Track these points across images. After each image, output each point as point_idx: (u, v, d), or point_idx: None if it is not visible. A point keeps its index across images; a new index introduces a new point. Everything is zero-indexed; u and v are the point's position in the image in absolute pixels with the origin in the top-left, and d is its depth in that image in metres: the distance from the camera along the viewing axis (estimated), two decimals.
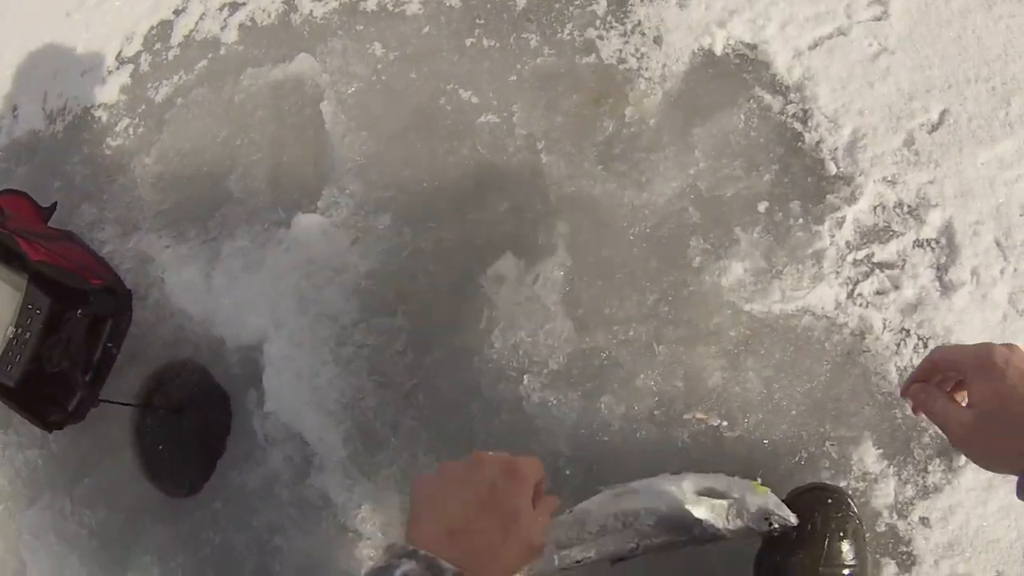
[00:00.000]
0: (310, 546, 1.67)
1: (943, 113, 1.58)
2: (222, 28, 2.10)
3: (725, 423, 1.47)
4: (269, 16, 2.06)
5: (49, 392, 1.77)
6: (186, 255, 1.88)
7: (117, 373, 1.93)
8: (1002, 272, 1.47)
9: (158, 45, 2.18)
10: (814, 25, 1.70)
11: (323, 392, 1.67)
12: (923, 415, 1.00)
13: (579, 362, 1.55)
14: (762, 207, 1.59)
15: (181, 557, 1.81)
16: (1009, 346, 0.88)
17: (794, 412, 1.46)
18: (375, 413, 1.64)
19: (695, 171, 1.62)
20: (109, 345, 1.94)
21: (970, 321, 1.45)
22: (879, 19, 1.69)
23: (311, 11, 2.01)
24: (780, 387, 1.47)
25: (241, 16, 2.09)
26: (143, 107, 2.11)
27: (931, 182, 1.54)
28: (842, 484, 1.40)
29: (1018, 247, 1.47)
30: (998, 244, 1.49)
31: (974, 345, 0.91)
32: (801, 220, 1.56)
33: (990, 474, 1.33)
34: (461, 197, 1.69)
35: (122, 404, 1.83)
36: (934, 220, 1.52)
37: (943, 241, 1.51)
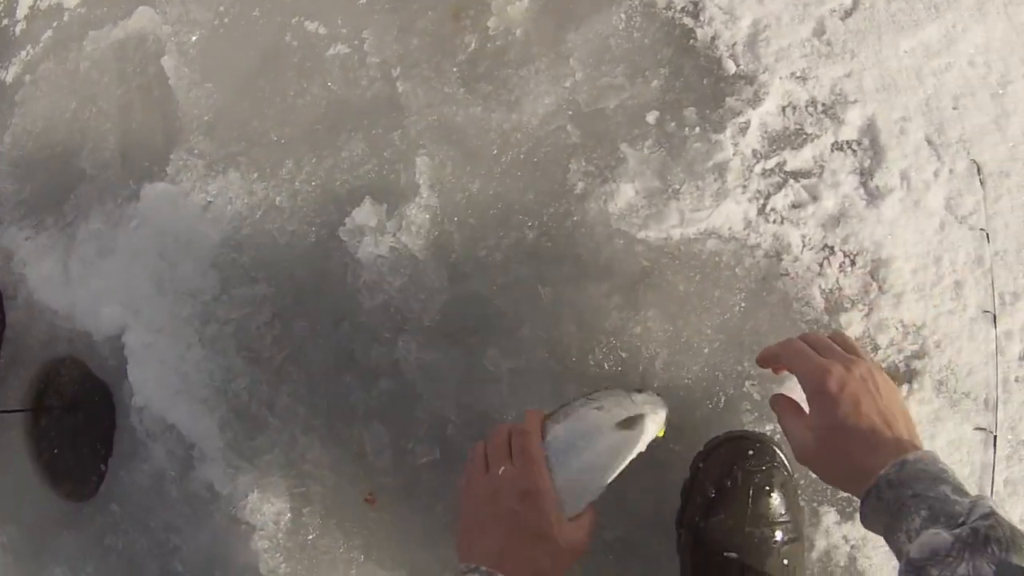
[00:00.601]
0: (207, 543, 1.47)
1: None
2: None
3: (620, 369, 1.20)
4: None
5: None
6: (45, 246, 1.64)
7: (1, 381, 1.69)
8: (936, 174, 1.23)
9: (5, 21, 1.91)
10: None
11: (191, 378, 1.43)
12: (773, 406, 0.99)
13: (457, 315, 1.30)
14: (651, 118, 1.33)
15: (90, 566, 1.62)
16: (847, 364, 0.87)
17: (706, 351, 1.21)
18: (248, 394, 1.40)
19: (571, 83, 1.35)
20: None
21: (902, 232, 1.21)
22: None
23: None
24: (687, 323, 1.22)
25: None
26: None
27: (848, 76, 1.29)
28: (767, 428, 1.16)
29: (953, 145, 1.23)
30: (929, 142, 1.24)
31: (815, 365, 0.89)
32: (698, 129, 1.30)
33: (936, 404, 1.17)
34: (315, 141, 1.43)
35: (12, 412, 1.66)
36: (853, 119, 1.27)
37: (865, 142, 1.26)
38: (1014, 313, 1.17)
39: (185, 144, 1.53)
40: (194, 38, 1.60)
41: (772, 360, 1.00)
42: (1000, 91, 1.25)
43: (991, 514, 0.67)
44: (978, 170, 1.22)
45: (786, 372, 1.00)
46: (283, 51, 1.52)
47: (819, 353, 0.91)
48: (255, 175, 1.46)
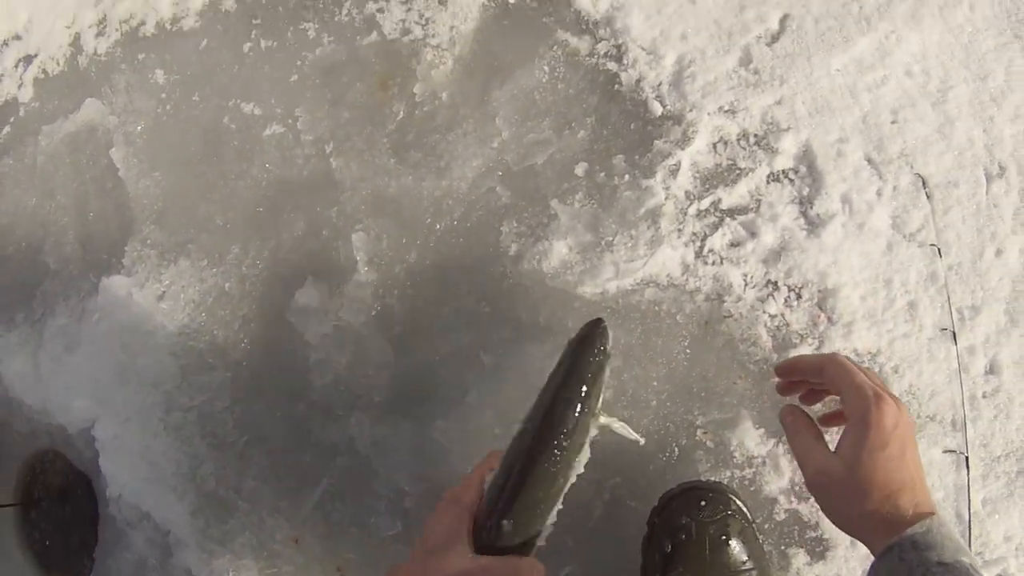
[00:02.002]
0: None
1: (784, 19, 1.32)
2: (19, 86, 1.87)
3: None
4: (58, 63, 1.82)
5: None
6: (16, 343, 1.68)
7: None
8: (879, 193, 1.21)
9: None
10: None
11: (160, 466, 1.46)
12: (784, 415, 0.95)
13: (404, 387, 1.32)
14: (580, 170, 1.33)
15: None
16: (898, 403, 0.82)
17: (654, 402, 1.21)
18: (216, 479, 1.43)
19: (499, 143, 1.36)
20: None
21: (847, 259, 1.19)
22: None
23: (95, 48, 1.77)
24: (633, 376, 1.22)
25: (34, 69, 1.85)
26: None
27: (778, 103, 1.28)
28: (724, 476, 1.16)
29: (894, 160, 1.21)
30: (869, 161, 1.23)
31: (869, 387, 0.83)
32: (627, 176, 1.30)
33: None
34: (258, 224, 1.45)
35: (2, 506, 1.68)
36: (788, 147, 1.26)
37: (802, 169, 1.25)
38: (974, 328, 1.14)
39: (139, 235, 1.56)
40: (139, 127, 1.63)
41: (804, 372, 0.96)
42: (941, 98, 1.24)
43: None
44: (923, 183, 1.20)
45: (787, 402, 0.95)
46: (222, 134, 1.54)
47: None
48: (204, 262, 1.48)
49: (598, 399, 0.90)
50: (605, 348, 0.91)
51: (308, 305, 1.37)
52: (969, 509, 1.09)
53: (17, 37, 1.94)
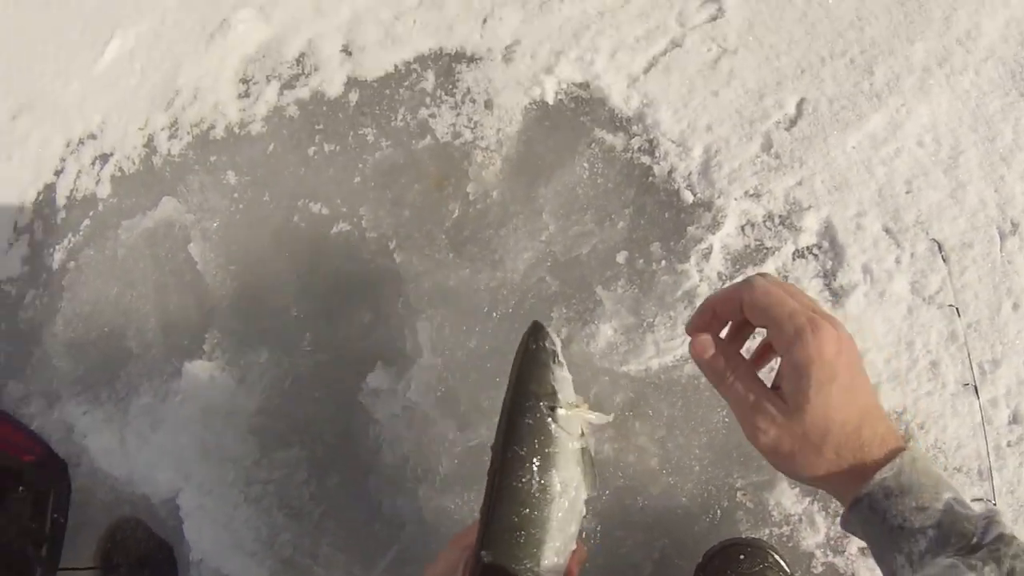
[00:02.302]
0: None
1: (800, 103, 1.43)
2: (97, 183, 2.05)
3: (619, 497, 1.35)
4: (134, 162, 2.00)
5: (8, 571, 1.72)
6: (102, 420, 1.83)
7: (71, 542, 1.89)
8: (898, 261, 1.28)
9: (47, 210, 2.14)
10: (646, 45, 1.58)
11: (240, 533, 1.60)
12: (707, 373, 0.75)
13: (468, 461, 1.46)
14: (621, 258, 1.47)
15: None
16: (835, 323, 0.66)
17: (697, 468, 1.32)
18: (293, 546, 1.57)
19: (547, 236, 1.52)
20: (56, 516, 1.90)
21: (870, 325, 1.27)
22: (715, 19, 1.56)
23: (168, 149, 1.95)
24: (677, 446, 1.34)
25: (111, 167, 2.04)
26: (44, 276, 2.07)
27: (799, 183, 1.38)
28: (763, 533, 1.26)
29: (911, 229, 1.29)
30: (887, 231, 1.30)
31: (800, 313, 0.67)
32: (664, 262, 1.43)
33: None
34: (329, 314, 1.61)
35: (82, 569, 1.79)
36: (810, 224, 1.36)
37: (825, 244, 1.34)
38: (996, 380, 1.19)
39: (217, 323, 1.72)
40: (215, 224, 1.81)
41: (722, 313, 0.75)
42: (952, 164, 1.30)
43: (1012, 539, 0.59)
44: (939, 248, 1.26)
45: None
46: (293, 232, 1.71)
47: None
48: (280, 349, 1.64)
49: (552, 399, 0.81)
50: (544, 344, 0.84)
51: (378, 387, 1.52)
52: None
53: (92, 136, 2.13)
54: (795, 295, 0.70)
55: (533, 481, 0.79)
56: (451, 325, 1.51)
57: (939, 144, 1.32)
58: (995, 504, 1.13)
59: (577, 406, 0.83)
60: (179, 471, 1.68)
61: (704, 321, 0.76)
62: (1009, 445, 1.15)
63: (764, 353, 0.79)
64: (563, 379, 0.84)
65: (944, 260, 1.25)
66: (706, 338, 0.74)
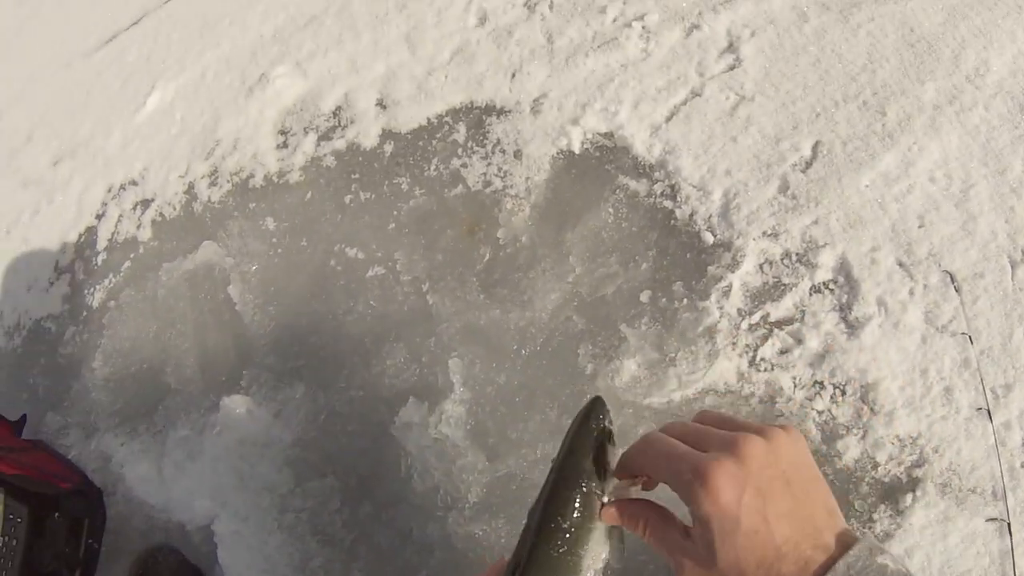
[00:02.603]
0: None
1: (815, 146, 1.52)
2: (138, 227, 2.15)
3: None
4: (175, 208, 2.10)
5: None
6: (139, 450, 1.91)
7: (104, 568, 1.95)
8: (911, 293, 1.34)
9: (88, 252, 2.23)
10: (667, 95, 1.68)
11: (274, 559, 1.66)
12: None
13: (497, 490, 1.53)
14: (645, 297, 1.55)
15: None
16: (736, 451, 0.63)
17: None
18: (324, 572, 1.63)
19: (573, 278, 1.61)
20: (91, 542, 1.96)
21: (885, 355, 1.32)
22: (732, 68, 1.67)
23: (209, 196, 2.05)
24: None
25: (152, 212, 2.14)
26: (84, 314, 2.15)
27: (815, 222, 1.45)
28: None
29: (923, 261, 1.35)
30: (901, 265, 1.36)
31: (686, 460, 0.65)
32: (686, 300, 1.50)
33: (943, 505, 1.20)
34: (363, 353, 1.70)
35: None
36: (826, 261, 1.42)
37: (840, 279, 1.40)
38: (1008, 404, 1.21)
39: (254, 360, 1.82)
40: (254, 268, 1.91)
41: (635, 470, 0.74)
42: (963, 197, 1.36)
43: None
44: (952, 279, 1.31)
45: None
46: (330, 275, 1.81)
47: (695, 445, 0.67)
48: (316, 385, 1.73)
49: (602, 477, 0.81)
50: (604, 424, 0.85)
51: (410, 421, 1.60)
52: (1015, 572, 1.12)
53: (134, 183, 2.24)
54: (695, 434, 0.68)
55: (568, 554, 0.78)
56: (482, 362, 1.60)
57: (950, 179, 1.38)
58: (1008, 523, 1.15)
59: (628, 485, 0.82)
60: (215, 499, 1.74)
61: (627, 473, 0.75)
62: (1023, 466, 1.18)
63: None
64: (614, 457, 0.83)
65: (957, 290, 1.30)
66: (610, 511, 0.73)
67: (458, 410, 1.58)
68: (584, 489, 0.78)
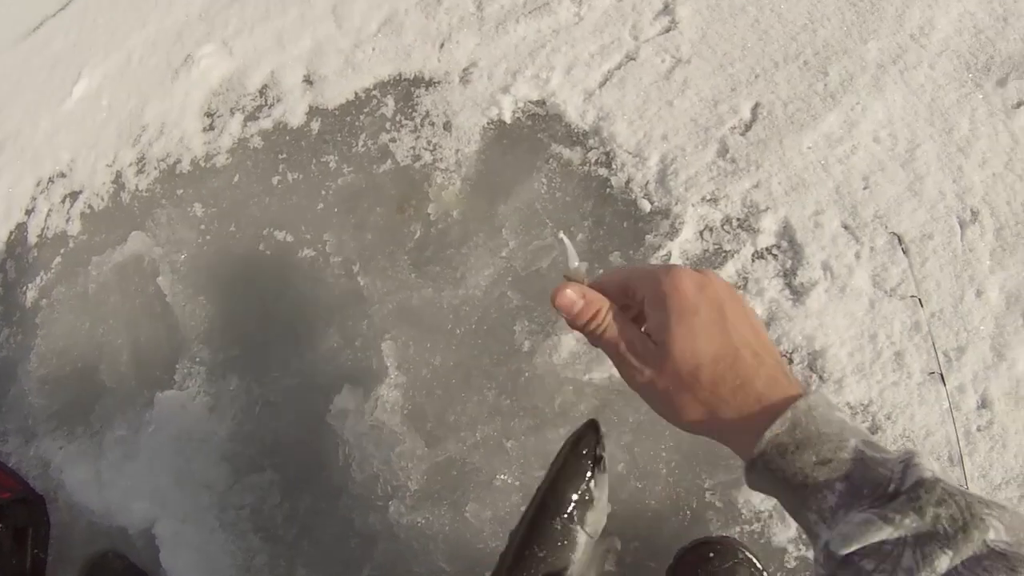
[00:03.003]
0: None
1: (755, 108, 1.45)
2: (67, 220, 2.06)
3: None
4: (103, 199, 2.01)
5: None
6: (76, 453, 1.84)
7: None
8: (857, 256, 1.29)
9: (19, 249, 2.15)
10: (600, 60, 1.61)
11: (217, 559, 1.60)
12: (577, 327, 0.69)
13: (437, 476, 1.47)
14: (582, 269, 1.47)
15: None
16: (706, 273, 0.64)
17: (664, 471, 1.32)
18: (269, 569, 1.57)
19: (507, 252, 1.54)
20: (36, 552, 1.90)
21: (832, 320, 1.27)
22: (668, 30, 1.59)
23: (136, 185, 1.97)
24: (643, 450, 1.35)
25: (80, 204, 2.05)
26: (17, 314, 2.07)
27: (756, 186, 1.39)
28: (734, 531, 1.25)
29: (869, 223, 1.29)
30: (846, 227, 1.31)
31: (656, 265, 0.66)
32: None
33: None
34: (296, 339, 1.63)
35: None
36: (768, 226, 1.37)
37: (784, 244, 1.35)
38: (961, 367, 1.18)
39: (187, 353, 1.74)
40: (183, 256, 1.82)
41: (608, 296, 0.69)
42: (909, 157, 1.31)
43: (934, 483, 0.50)
44: (899, 240, 1.27)
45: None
46: (259, 260, 1.73)
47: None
48: (250, 376, 1.65)
49: (588, 509, 0.79)
50: (593, 451, 0.82)
51: (345, 408, 1.53)
52: None
53: (62, 175, 2.14)
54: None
55: None
56: (416, 344, 1.53)
57: (895, 139, 1.33)
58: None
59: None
60: (154, 500, 1.68)
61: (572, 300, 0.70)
62: (979, 430, 1.15)
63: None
64: (602, 486, 0.83)
65: (904, 252, 1.26)
66: (570, 292, 0.69)
67: (394, 395, 1.51)
68: (565, 519, 0.78)
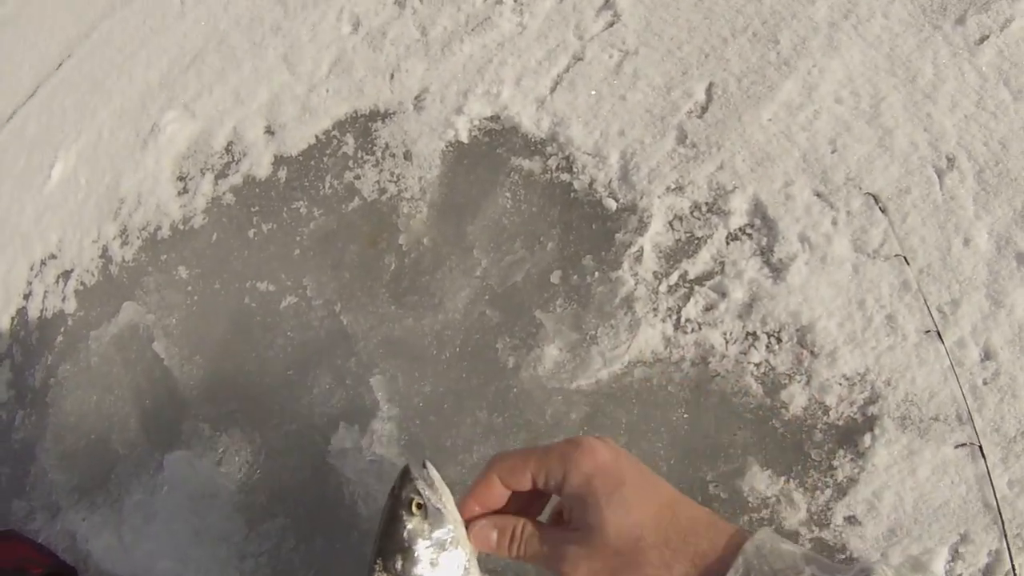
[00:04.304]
0: None
1: (709, 88, 1.42)
2: (63, 300, 2.09)
3: None
4: (93, 274, 2.04)
5: None
6: (99, 522, 1.85)
7: None
8: (834, 223, 1.23)
9: (22, 333, 2.17)
10: (548, 65, 1.61)
11: None
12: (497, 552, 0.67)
13: None
14: (555, 278, 1.46)
15: None
16: (600, 438, 0.61)
17: (664, 468, 1.28)
18: None
19: (480, 271, 1.54)
20: None
21: (815, 292, 1.21)
22: (612, 24, 1.59)
23: (122, 256, 1.99)
24: (641, 451, 1.31)
25: (73, 283, 2.08)
26: (29, 396, 2.09)
27: (720, 168, 1.35)
28: (743, 520, 1.19)
29: (842, 187, 1.24)
30: (819, 195, 1.26)
31: (554, 445, 0.62)
32: (597, 273, 1.42)
33: (905, 440, 1.09)
34: (290, 385, 1.63)
35: None
36: (738, 205, 1.32)
37: (756, 222, 1.30)
38: (958, 321, 1.12)
39: (190, 412, 1.75)
40: (174, 320, 1.84)
41: (495, 491, 0.69)
42: (875, 113, 1.26)
43: None
44: (875, 200, 1.22)
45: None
46: (246, 313, 1.74)
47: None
48: (250, 426, 1.66)
49: (400, 557, 0.73)
50: (401, 495, 0.76)
51: (344, 447, 1.54)
52: (995, 496, 1.01)
53: (52, 256, 2.17)
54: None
55: None
56: (404, 375, 1.53)
57: (858, 96, 1.29)
58: (980, 445, 1.05)
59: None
60: (176, 559, 1.69)
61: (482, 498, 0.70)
62: (986, 383, 1.08)
63: (556, 519, 0.69)
64: (421, 532, 0.74)
65: (883, 211, 1.21)
66: (482, 531, 0.68)
67: (388, 428, 1.52)
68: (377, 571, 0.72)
